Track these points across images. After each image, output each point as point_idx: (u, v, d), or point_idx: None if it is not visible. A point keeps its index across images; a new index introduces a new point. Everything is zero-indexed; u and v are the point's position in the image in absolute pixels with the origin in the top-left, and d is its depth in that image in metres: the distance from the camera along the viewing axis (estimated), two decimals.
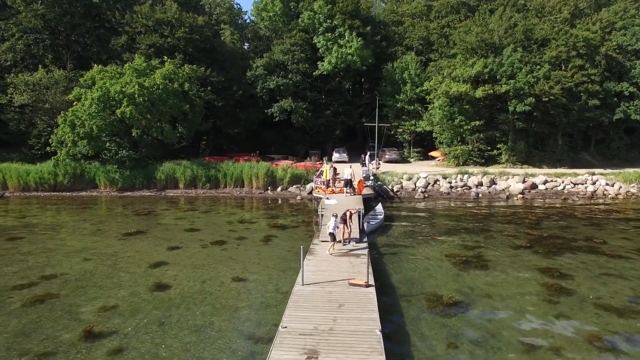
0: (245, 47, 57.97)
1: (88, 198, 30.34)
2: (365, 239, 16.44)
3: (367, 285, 11.38)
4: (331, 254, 14.12)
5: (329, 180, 25.81)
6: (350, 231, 15.94)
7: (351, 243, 15.68)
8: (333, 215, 14.75)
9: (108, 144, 33.16)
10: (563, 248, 16.96)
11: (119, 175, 32.59)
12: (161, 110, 33.31)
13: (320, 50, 43.25)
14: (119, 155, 32.70)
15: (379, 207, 23.22)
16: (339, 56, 41.31)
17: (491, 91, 36.16)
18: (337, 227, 14.70)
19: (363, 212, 19.20)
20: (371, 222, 19.91)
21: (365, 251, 14.67)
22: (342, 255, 14.11)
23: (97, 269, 14.47)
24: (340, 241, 15.07)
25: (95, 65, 35.05)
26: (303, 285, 11.48)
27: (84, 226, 21.14)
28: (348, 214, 15.75)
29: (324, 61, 42.60)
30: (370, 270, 11.98)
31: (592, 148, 44.30)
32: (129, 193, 31.88)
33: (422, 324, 10.53)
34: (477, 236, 19.05)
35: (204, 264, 15.13)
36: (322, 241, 15.73)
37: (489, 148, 39.54)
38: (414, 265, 14.98)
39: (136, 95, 31.17)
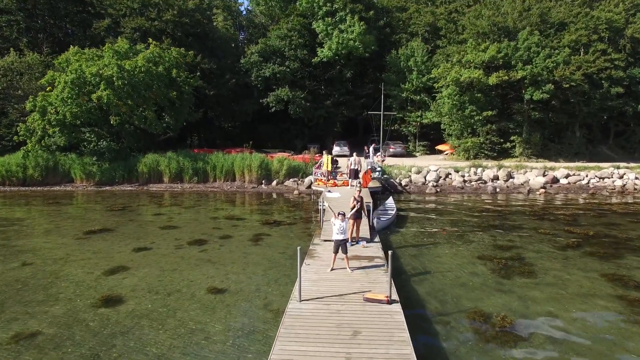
0: (241, 37, 54.85)
1: (60, 193, 27.04)
2: (377, 238, 13.30)
3: (390, 302, 8.20)
4: (350, 271, 10.04)
5: (329, 171, 22.71)
6: (358, 228, 12.80)
7: (361, 243, 12.56)
8: (339, 215, 10.09)
9: (87, 134, 29.93)
10: (621, 249, 13.81)
11: (96, 168, 29.37)
12: (144, 95, 30.04)
13: (319, 36, 40.06)
14: (98, 146, 29.48)
15: (390, 202, 20.11)
16: (340, 42, 38.13)
17: (506, 77, 33.02)
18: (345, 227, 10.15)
19: (372, 206, 16.08)
20: (382, 219, 16.79)
21: (381, 253, 11.57)
22: (351, 259, 10.81)
23: (34, 277, 11.18)
24: (347, 240, 11.76)
25: (72, 47, 31.72)
26: (301, 301, 8.28)
27: (40, 223, 17.84)
28: (357, 203, 12.45)
29: (323, 47, 39.42)
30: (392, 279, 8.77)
31: (611, 141, 41.35)
32: (107, 187, 28.68)
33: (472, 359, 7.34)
34: (508, 234, 15.94)
35: (175, 269, 11.89)
36: (324, 240, 12.59)
37: (502, 140, 36.41)
38: (441, 272, 11.82)
39: (114, 79, 27.88)
